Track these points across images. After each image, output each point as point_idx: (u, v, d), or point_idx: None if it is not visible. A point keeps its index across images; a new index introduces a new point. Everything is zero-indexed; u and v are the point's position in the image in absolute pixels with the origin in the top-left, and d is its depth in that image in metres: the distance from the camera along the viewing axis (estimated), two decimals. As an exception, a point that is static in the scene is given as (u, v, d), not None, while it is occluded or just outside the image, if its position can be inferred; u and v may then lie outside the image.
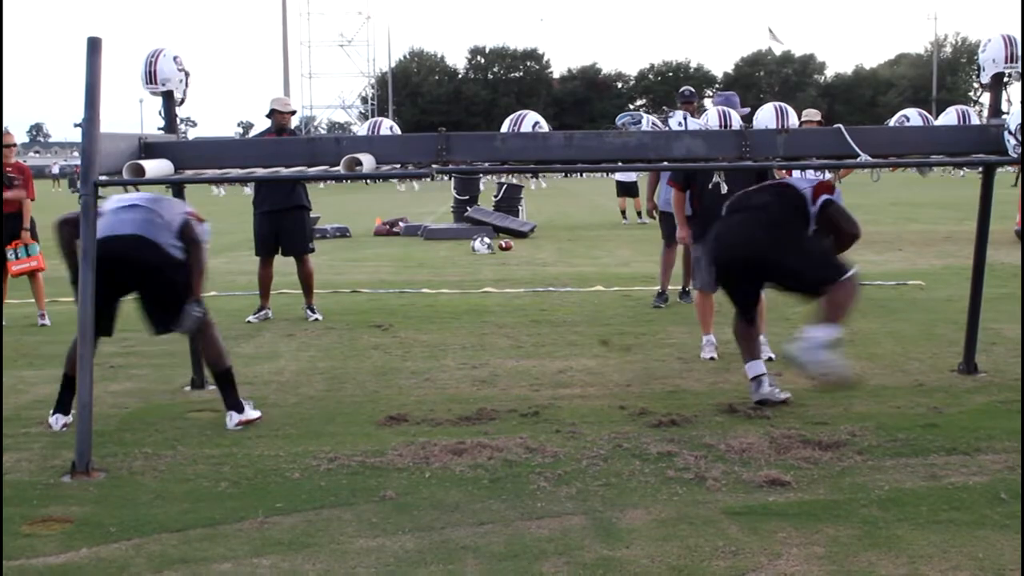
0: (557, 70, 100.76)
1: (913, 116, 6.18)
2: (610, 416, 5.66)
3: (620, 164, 6.00)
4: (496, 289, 11.18)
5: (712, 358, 7.15)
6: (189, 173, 5.57)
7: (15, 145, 9.28)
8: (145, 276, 5.45)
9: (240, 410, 5.56)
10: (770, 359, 6.99)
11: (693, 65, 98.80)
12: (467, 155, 5.55)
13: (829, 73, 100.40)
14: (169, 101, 6.20)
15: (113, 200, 5.65)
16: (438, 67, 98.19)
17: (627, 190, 20.92)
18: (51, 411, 5.54)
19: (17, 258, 9.05)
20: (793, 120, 6.43)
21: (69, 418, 5.50)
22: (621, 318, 9.07)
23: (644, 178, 14.91)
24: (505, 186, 20.45)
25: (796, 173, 9.76)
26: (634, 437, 5.19)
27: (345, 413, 5.83)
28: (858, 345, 7.39)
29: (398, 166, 5.63)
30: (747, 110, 8.12)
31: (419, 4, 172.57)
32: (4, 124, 8.44)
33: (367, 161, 5.22)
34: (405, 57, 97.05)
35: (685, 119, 9.17)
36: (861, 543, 3.78)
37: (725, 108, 6.73)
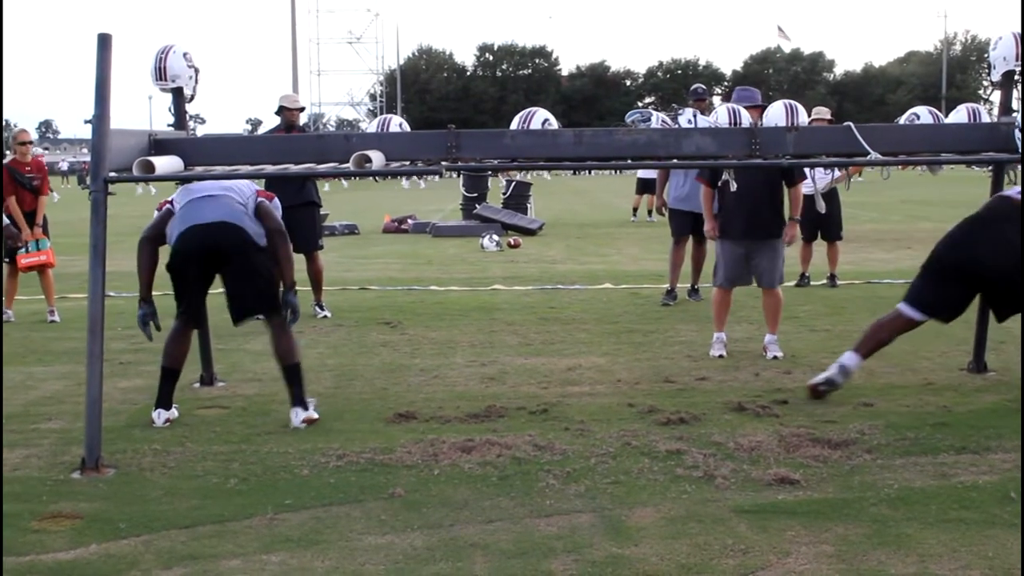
0: (566, 67, 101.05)
1: (923, 114, 6.17)
2: (619, 414, 5.65)
3: (629, 161, 5.98)
4: (505, 287, 11.18)
5: (721, 356, 7.14)
6: (199, 170, 5.59)
7: (31, 142, 9.31)
8: (232, 261, 5.50)
9: (306, 407, 5.53)
10: (775, 358, 7.00)
11: (702, 63, 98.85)
12: (477, 152, 5.55)
13: (838, 71, 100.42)
14: (179, 98, 6.20)
15: (183, 194, 5.68)
16: (447, 64, 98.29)
17: (647, 187, 20.68)
18: (154, 407, 5.59)
19: (27, 252, 9.08)
20: (803, 118, 6.41)
21: (172, 412, 5.60)
22: (630, 316, 9.06)
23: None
24: (513, 183, 20.43)
25: (814, 172, 9.74)
26: (643, 435, 5.18)
27: (354, 410, 5.84)
28: (867, 343, 7.36)
29: (408, 163, 5.63)
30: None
31: (428, 1, 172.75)
32: (19, 123, 8.48)
33: (377, 158, 5.22)
34: (414, 54, 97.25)
35: (695, 116, 9.20)
36: (870, 542, 3.77)
37: (734, 105, 6.72)
